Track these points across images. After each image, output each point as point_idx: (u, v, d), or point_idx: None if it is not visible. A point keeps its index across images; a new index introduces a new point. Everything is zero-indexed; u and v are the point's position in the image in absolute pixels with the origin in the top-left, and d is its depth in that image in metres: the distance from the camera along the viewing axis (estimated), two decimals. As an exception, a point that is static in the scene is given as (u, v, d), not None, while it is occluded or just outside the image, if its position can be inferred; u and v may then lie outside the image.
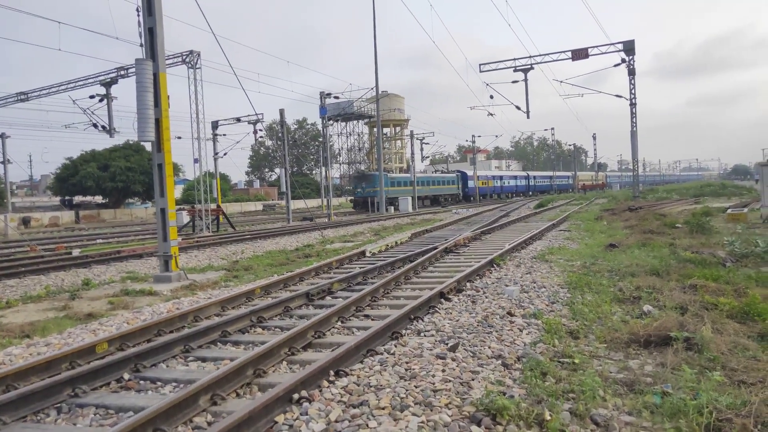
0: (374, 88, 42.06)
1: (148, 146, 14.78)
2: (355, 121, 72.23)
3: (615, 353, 5.49)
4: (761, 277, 8.74)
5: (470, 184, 63.39)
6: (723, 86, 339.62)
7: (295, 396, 4.48)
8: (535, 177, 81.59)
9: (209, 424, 4.32)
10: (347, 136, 74.15)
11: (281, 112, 36.56)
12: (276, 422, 4.13)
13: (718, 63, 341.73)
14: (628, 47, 35.21)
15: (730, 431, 3.61)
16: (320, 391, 4.69)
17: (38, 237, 29.53)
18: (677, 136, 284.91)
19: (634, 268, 9.92)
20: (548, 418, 3.87)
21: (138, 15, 12.60)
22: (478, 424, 3.87)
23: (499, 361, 5.28)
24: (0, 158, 42.10)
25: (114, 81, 29.26)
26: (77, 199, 60.54)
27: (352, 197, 53.37)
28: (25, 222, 43.18)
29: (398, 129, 79.68)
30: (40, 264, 15.16)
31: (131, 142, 55.37)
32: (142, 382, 5.39)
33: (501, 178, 73.09)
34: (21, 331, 7.82)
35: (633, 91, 36.73)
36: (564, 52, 35.51)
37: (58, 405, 4.83)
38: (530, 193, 77.04)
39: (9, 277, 13.51)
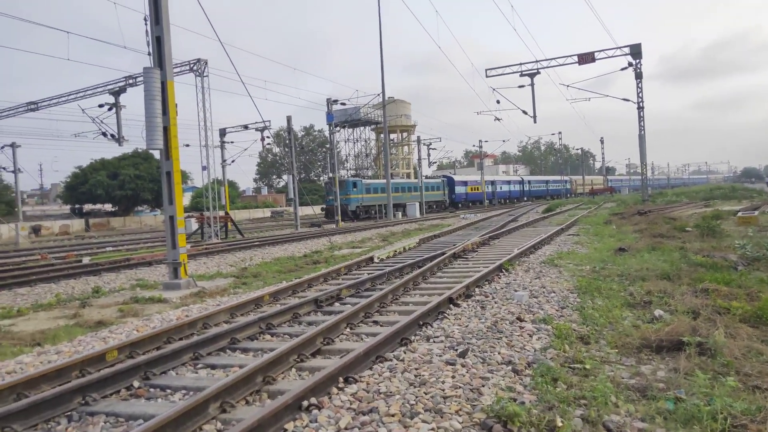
0: (381, 94, 42.16)
1: (156, 154, 14.85)
2: (362, 128, 72.35)
3: (626, 358, 5.44)
4: (774, 280, 8.64)
5: (457, 189, 60.33)
6: (729, 89, 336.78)
7: (305, 403, 4.46)
8: (530, 182, 79.28)
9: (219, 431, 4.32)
10: (354, 143, 74.29)
11: (288, 119, 36.73)
12: (285, 430, 4.12)
13: (723, 66, 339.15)
14: (635, 51, 35.08)
15: (746, 437, 3.56)
16: (330, 398, 4.67)
17: (48, 245, 29.78)
18: (685, 140, 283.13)
19: (645, 272, 9.84)
20: (560, 424, 3.83)
21: (146, 24, 12.72)
22: (489, 431, 3.84)
23: (510, 367, 5.24)
24: (11, 167, 42.53)
25: (122, 90, 29.47)
26: (87, 207, 61.04)
27: (323, 206, 47.50)
28: (36, 230, 43.58)
29: (405, 135, 79.77)
30: (50, 272, 15.26)
31: (140, 151, 55.82)
32: (151, 389, 5.39)
33: (493, 182, 69.23)
34: (32, 339, 7.88)
35: (640, 95, 36.56)
36: (570, 56, 35.44)
37: (69, 413, 4.84)
38: (525, 198, 73.50)
39: (20, 285, 13.61)
